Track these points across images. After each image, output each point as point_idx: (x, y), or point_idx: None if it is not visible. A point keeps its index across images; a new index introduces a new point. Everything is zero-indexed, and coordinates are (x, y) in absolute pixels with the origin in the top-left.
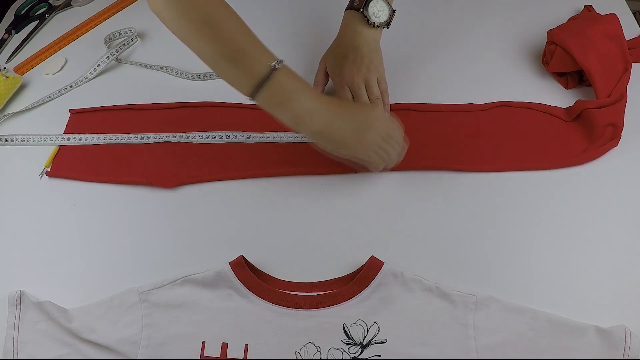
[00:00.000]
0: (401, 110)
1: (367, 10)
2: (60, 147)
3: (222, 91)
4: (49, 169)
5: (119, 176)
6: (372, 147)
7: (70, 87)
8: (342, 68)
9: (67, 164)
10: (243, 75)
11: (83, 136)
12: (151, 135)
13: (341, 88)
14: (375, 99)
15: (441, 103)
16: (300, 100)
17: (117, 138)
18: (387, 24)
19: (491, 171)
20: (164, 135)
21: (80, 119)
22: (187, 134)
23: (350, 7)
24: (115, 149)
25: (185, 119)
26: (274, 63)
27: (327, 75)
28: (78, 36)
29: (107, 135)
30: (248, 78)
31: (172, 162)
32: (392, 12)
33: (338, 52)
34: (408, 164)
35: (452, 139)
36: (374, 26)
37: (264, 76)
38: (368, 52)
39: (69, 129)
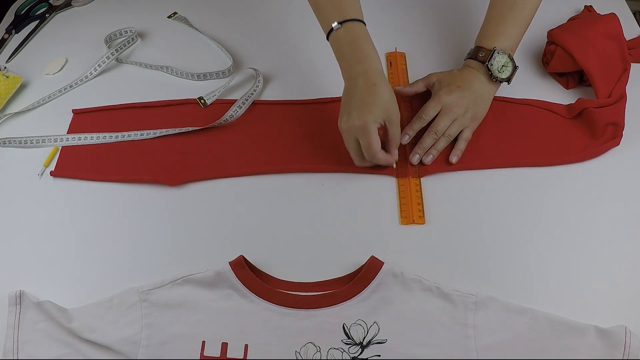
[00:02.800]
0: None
1: (492, 65)
2: (63, 147)
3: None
4: (48, 169)
5: (124, 175)
6: (351, 132)
7: (71, 86)
8: (450, 91)
9: (70, 164)
10: (321, 22)
11: (82, 135)
12: (151, 131)
13: (435, 103)
14: (446, 137)
15: None
16: (350, 60)
17: (117, 136)
18: (508, 80)
19: (491, 168)
20: (164, 130)
21: (82, 119)
22: (187, 127)
23: (473, 57)
24: (120, 148)
25: (187, 115)
26: (334, 25)
27: (426, 89)
28: None
29: (107, 134)
30: (324, 27)
31: (177, 160)
32: (515, 68)
33: (453, 79)
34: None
35: None
36: (495, 80)
37: (328, 31)
38: (479, 101)
39: (72, 129)
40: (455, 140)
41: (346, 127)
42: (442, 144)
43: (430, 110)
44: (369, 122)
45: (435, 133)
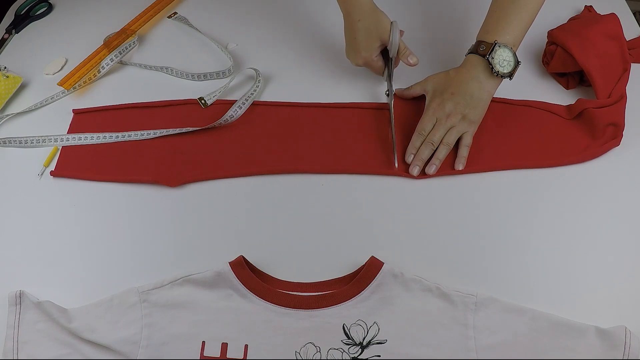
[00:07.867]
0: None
1: (493, 58)
2: (63, 147)
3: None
4: (48, 169)
5: (124, 175)
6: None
7: (75, 88)
8: (443, 101)
9: (71, 164)
10: None
11: (82, 135)
12: (151, 131)
13: (429, 116)
14: (445, 146)
15: None
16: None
17: (117, 136)
18: (510, 75)
19: (492, 170)
20: (165, 130)
21: (83, 119)
22: (187, 127)
23: (474, 51)
24: (120, 148)
25: (187, 116)
26: None
27: (422, 94)
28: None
29: (107, 134)
30: None
31: (177, 160)
32: (517, 64)
33: (447, 84)
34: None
35: None
36: (497, 75)
37: None
38: (475, 104)
39: (72, 129)
40: (458, 147)
41: (354, 64)
42: (443, 153)
43: (427, 124)
44: (367, 57)
45: (432, 144)
